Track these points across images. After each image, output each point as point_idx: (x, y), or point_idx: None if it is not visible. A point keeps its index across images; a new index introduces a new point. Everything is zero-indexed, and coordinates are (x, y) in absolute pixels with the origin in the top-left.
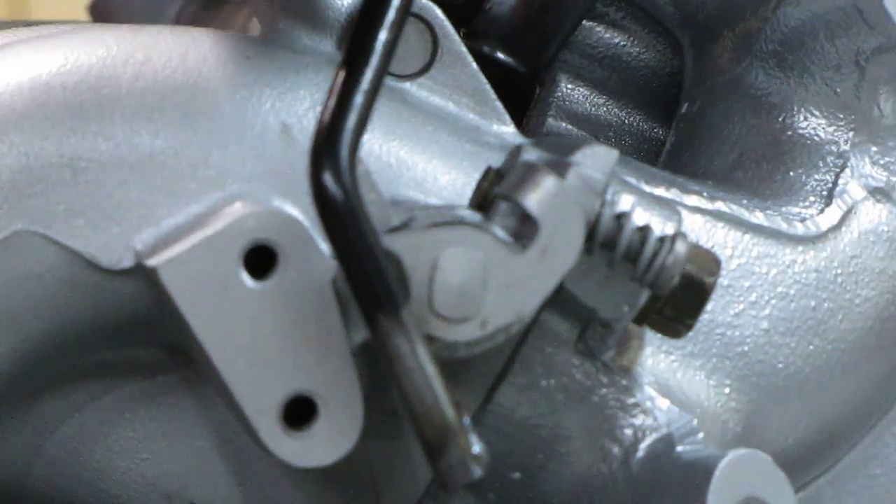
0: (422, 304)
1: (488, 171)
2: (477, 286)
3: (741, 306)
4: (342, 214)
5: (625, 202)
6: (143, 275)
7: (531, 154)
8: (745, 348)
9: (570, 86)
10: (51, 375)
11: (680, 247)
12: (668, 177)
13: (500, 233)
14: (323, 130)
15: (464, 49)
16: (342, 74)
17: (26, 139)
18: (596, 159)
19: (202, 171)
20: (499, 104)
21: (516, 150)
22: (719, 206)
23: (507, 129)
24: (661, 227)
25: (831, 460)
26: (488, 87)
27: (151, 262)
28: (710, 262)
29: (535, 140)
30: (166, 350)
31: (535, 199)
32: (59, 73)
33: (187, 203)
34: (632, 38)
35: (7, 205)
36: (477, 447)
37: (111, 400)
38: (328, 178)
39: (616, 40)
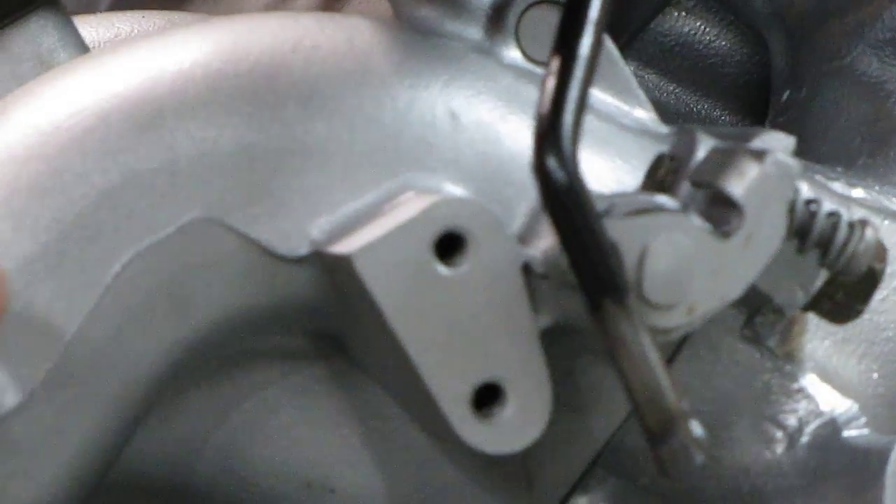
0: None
1: (662, 157)
2: (685, 273)
3: (885, 292)
4: (568, 199)
5: (808, 188)
6: (318, 262)
7: (709, 140)
8: (891, 333)
9: (639, 73)
10: (214, 364)
11: (869, 233)
12: (808, 164)
13: (698, 220)
14: (545, 117)
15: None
16: (557, 62)
17: (202, 127)
18: (781, 144)
19: (376, 159)
20: (640, 91)
21: (689, 137)
22: (860, 192)
23: (649, 115)
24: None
25: None
26: (629, 72)
27: (343, 249)
28: (880, 249)
29: (698, 126)
30: (315, 339)
31: (741, 185)
32: (230, 61)
33: (362, 190)
34: (703, 26)
35: (184, 192)
36: (700, 432)
37: (264, 390)
38: (552, 164)
39: (687, 28)
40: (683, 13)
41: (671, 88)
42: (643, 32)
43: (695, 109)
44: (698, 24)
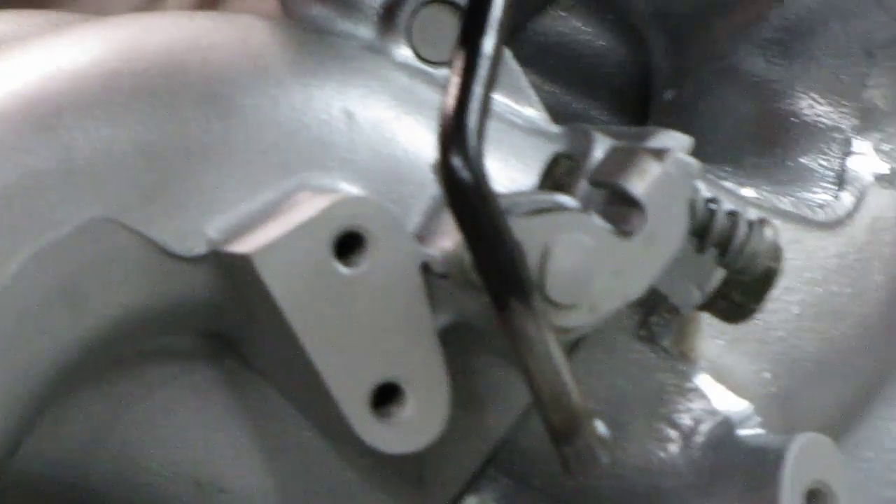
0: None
1: (558, 157)
2: (587, 272)
3: (776, 292)
4: (473, 198)
5: (706, 187)
6: (215, 262)
7: (606, 140)
8: (782, 333)
9: None
10: (109, 364)
11: (768, 232)
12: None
13: (599, 219)
14: (450, 116)
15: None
16: (461, 61)
17: (99, 126)
18: (679, 144)
19: (273, 158)
20: (531, 89)
21: (585, 136)
22: (750, 192)
23: (540, 115)
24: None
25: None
26: (520, 71)
27: (242, 249)
28: (776, 249)
29: (592, 126)
30: (209, 340)
31: (642, 184)
32: (127, 60)
33: (259, 190)
34: (581, 25)
35: (81, 192)
36: (604, 431)
37: (157, 390)
38: (457, 163)
39: (565, 28)
40: (561, 12)
41: (549, 88)
42: (521, 32)
43: (572, 109)
44: (576, 23)
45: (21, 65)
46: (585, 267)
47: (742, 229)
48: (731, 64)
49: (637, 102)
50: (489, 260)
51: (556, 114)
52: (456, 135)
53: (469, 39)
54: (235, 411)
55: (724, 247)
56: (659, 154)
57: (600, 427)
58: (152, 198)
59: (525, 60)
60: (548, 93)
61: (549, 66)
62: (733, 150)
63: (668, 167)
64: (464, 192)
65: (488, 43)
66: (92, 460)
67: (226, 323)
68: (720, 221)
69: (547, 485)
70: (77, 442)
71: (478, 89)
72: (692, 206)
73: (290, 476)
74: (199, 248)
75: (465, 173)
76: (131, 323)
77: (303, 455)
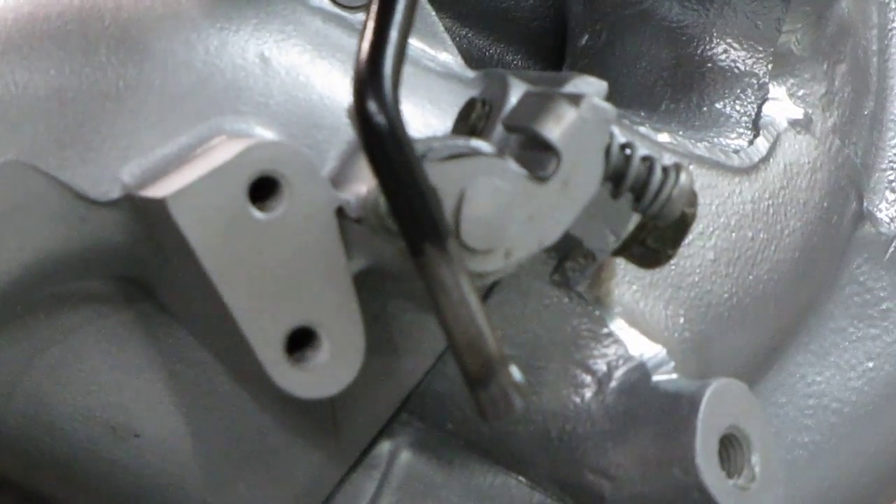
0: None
1: (473, 101)
2: (502, 217)
3: (691, 237)
4: (388, 144)
5: (621, 133)
6: (129, 206)
7: (521, 85)
8: (696, 278)
9: None
10: (22, 309)
11: (683, 177)
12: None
13: (515, 164)
14: (364, 61)
15: None
16: (376, 5)
17: (12, 70)
18: (594, 89)
19: (187, 103)
20: (445, 34)
21: (500, 81)
22: (665, 137)
23: (455, 59)
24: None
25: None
26: (434, 15)
27: (157, 193)
28: (691, 194)
29: (508, 71)
30: (123, 284)
31: (557, 129)
32: (41, 4)
33: (173, 134)
34: None
35: None
36: (519, 377)
37: (70, 335)
38: (373, 108)
39: None
40: None
41: (464, 33)
42: None
43: (487, 54)
44: None
45: None
46: (500, 212)
47: (657, 174)
48: (647, 9)
49: (553, 47)
50: (404, 205)
51: (472, 58)
52: (371, 80)
53: None
54: (149, 356)
55: (640, 192)
56: (574, 99)
57: (515, 372)
58: (67, 142)
59: (440, 5)
60: (463, 37)
61: (465, 10)
62: (648, 96)
63: (583, 112)
64: (379, 137)
65: None
66: (6, 405)
67: (141, 268)
68: (635, 167)
69: (461, 429)
70: None
71: (393, 34)
72: (607, 152)
73: (204, 421)
74: (114, 193)
75: (380, 118)
76: (45, 267)
77: (217, 401)
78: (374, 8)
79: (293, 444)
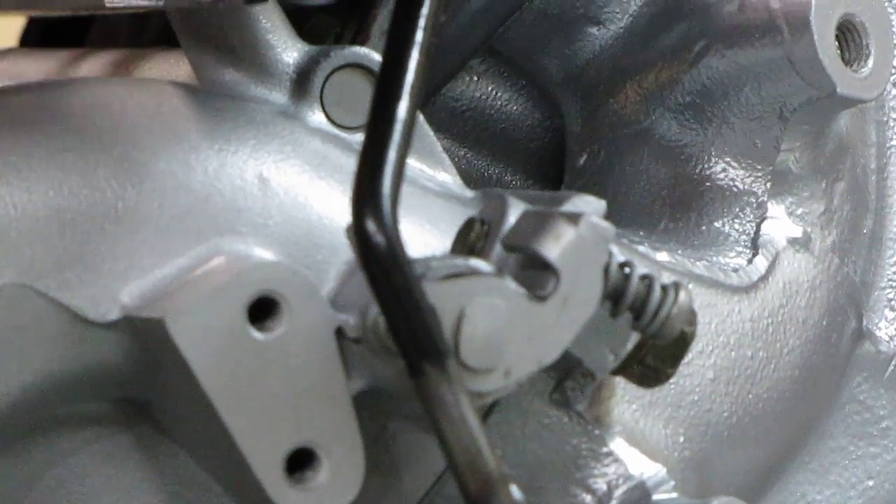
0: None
1: (472, 221)
2: (501, 337)
3: (690, 355)
4: (388, 263)
5: (620, 251)
6: (128, 327)
7: (520, 204)
8: (696, 397)
9: None
10: (22, 430)
11: (683, 296)
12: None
13: (514, 284)
14: (363, 181)
15: None
16: (375, 125)
17: (11, 192)
18: (592, 207)
19: (186, 224)
20: (444, 154)
21: (499, 201)
22: (664, 256)
23: (454, 179)
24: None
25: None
26: (432, 135)
27: (156, 314)
28: (691, 313)
29: (506, 190)
30: (123, 406)
31: (556, 249)
32: (40, 124)
33: (172, 255)
34: (494, 91)
35: None
36: (519, 496)
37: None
38: (371, 227)
39: (478, 93)
40: (475, 77)
41: (463, 153)
42: (434, 96)
43: (487, 174)
44: (490, 88)
45: None
46: (500, 331)
47: (656, 293)
48: (645, 128)
49: (551, 166)
50: (403, 325)
51: (471, 178)
52: (370, 199)
53: (383, 104)
54: (149, 478)
55: (639, 311)
56: (573, 218)
57: (515, 492)
58: (66, 264)
59: (438, 125)
60: (462, 157)
61: (463, 130)
62: (647, 214)
63: (582, 231)
64: (378, 257)
65: (402, 108)
66: None
67: (140, 389)
68: (634, 285)
69: None
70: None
71: (392, 154)
72: (606, 271)
73: None
74: (113, 314)
75: (378, 238)
76: (45, 388)
77: None
78: (373, 128)
79: None
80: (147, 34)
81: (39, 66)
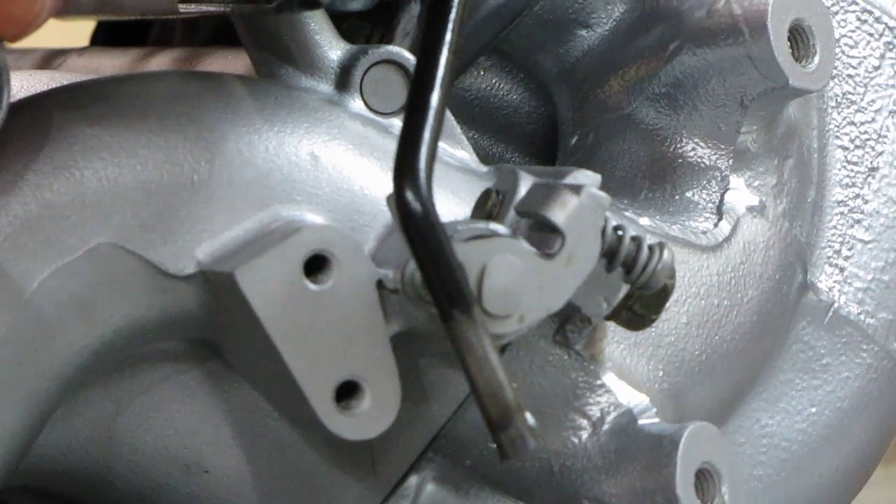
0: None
1: (489, 191)
2: (517, 288)
3: (668, 304)
4: (423, 226)
5: (614, 216)
6: (203, 280)
7: (529, 177)
8: (672, 338)
9: None
10: (112, 366)
11: (666, 254)
12: None
13: (526, 244)
14: (403, 157)
15: None
16: (412, 111)
17: (105, 166)
18: (591, 180)
19: (250, 193)
20: (462, 135)
21: (511, 174)
22: (646, 220)
23: (471, 156)
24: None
25: None
26: (453, 118)
27: (227, 268)
28: (672, 268)
29: (516, 165)
30: (196, 345)
31: (562, 214)
32: (129, 110)
33: (239, 219)
34: (497, 83)
35: (91, 221)
36: (533, 422)
37: (152, 388)
38: (410, 196)
39: (483, 85)
40: (482, 71)
41: (471, 135)
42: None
43: (491, 152)
44: (494, 80)
45: (39, 116)
46: (515, 284)
47: (644, 252)
48: (627, 114)
49: (545, 146)
50: (436, 278)
51: (478, 156)
52: (408, 173)
53: (419, 94)
54: (218, 405)
55: (629, 266)
56: (575, 189)
57: (529, 418)
58: (150, 226)
59: (453, 111)
60: (470, 138)
61: (471, 116)
62: (629, 187)
63: (583, 200)
64: (415, 222)
65: (435, 97)
66: (97, 447)
67: (211, 331)
68: (626, 245)
69: (478, 465)
70: (85, 432)
71: (427, 135)
72: (603, 233)
73: (263, 459)
74: (190, 269)
75: (416, 205)
76: (132, 331)
77: (274, 442)
78: (411, 113)
79: (338, 479)
80: (199, 35)
81: (114, 63)
